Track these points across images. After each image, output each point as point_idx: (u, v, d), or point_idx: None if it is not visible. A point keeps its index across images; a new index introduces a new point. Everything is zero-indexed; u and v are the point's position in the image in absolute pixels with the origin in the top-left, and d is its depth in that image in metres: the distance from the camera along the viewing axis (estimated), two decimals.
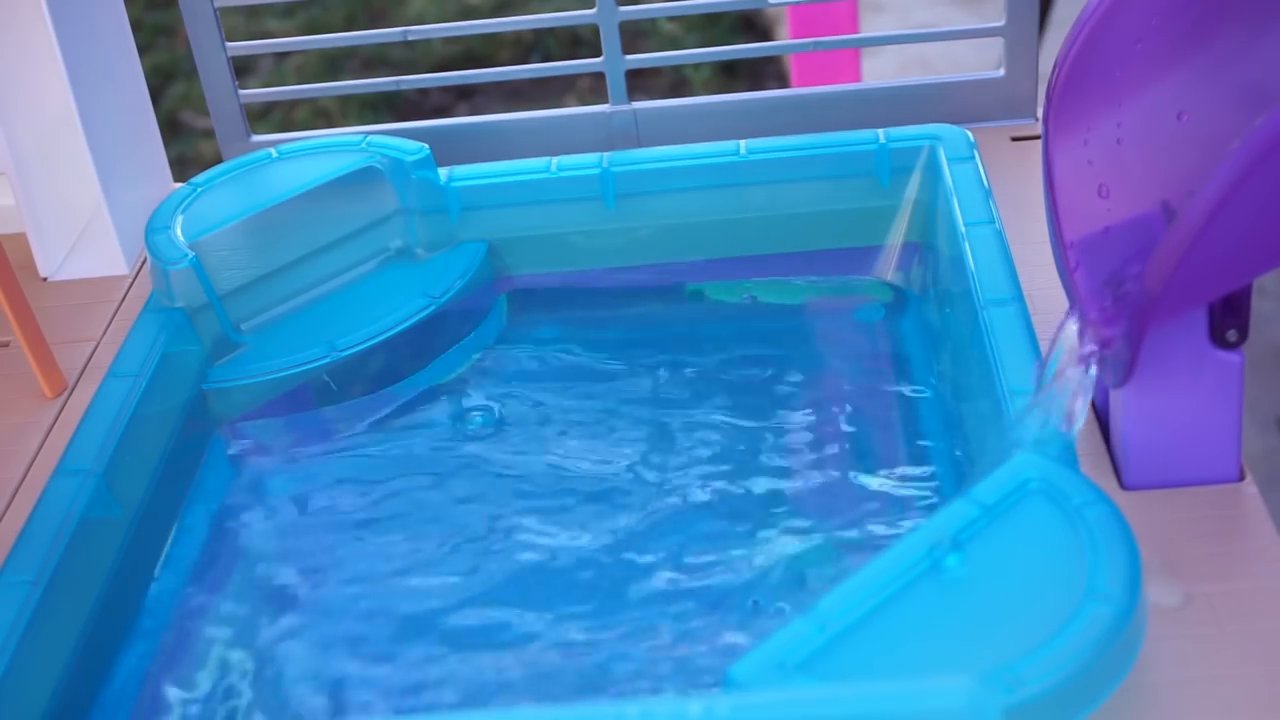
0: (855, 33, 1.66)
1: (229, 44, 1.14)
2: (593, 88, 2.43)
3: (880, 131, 1.03)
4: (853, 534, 0.87)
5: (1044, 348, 0.84)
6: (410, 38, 1.14)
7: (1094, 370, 0.75)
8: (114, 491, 0.87)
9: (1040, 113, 1.12)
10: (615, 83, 1.14)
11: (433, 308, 1.01)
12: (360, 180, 1.04)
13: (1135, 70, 0.78)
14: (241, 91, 1.15)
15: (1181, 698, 0.68)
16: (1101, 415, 0.83)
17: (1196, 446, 0.78)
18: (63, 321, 1.03)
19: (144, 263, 1.09)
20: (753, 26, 2.57)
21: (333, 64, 2.56)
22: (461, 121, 1.17)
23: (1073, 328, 0.76)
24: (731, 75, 2.46)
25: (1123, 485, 0.79)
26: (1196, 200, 0.67)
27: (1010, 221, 0.95)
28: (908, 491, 0.89)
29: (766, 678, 0.64)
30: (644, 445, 0.94)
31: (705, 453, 0.93)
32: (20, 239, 1.09)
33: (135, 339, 0.96)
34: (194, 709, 0.82)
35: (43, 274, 1.09)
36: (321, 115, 2.43)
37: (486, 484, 0.93)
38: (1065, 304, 0.78)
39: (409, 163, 1.04)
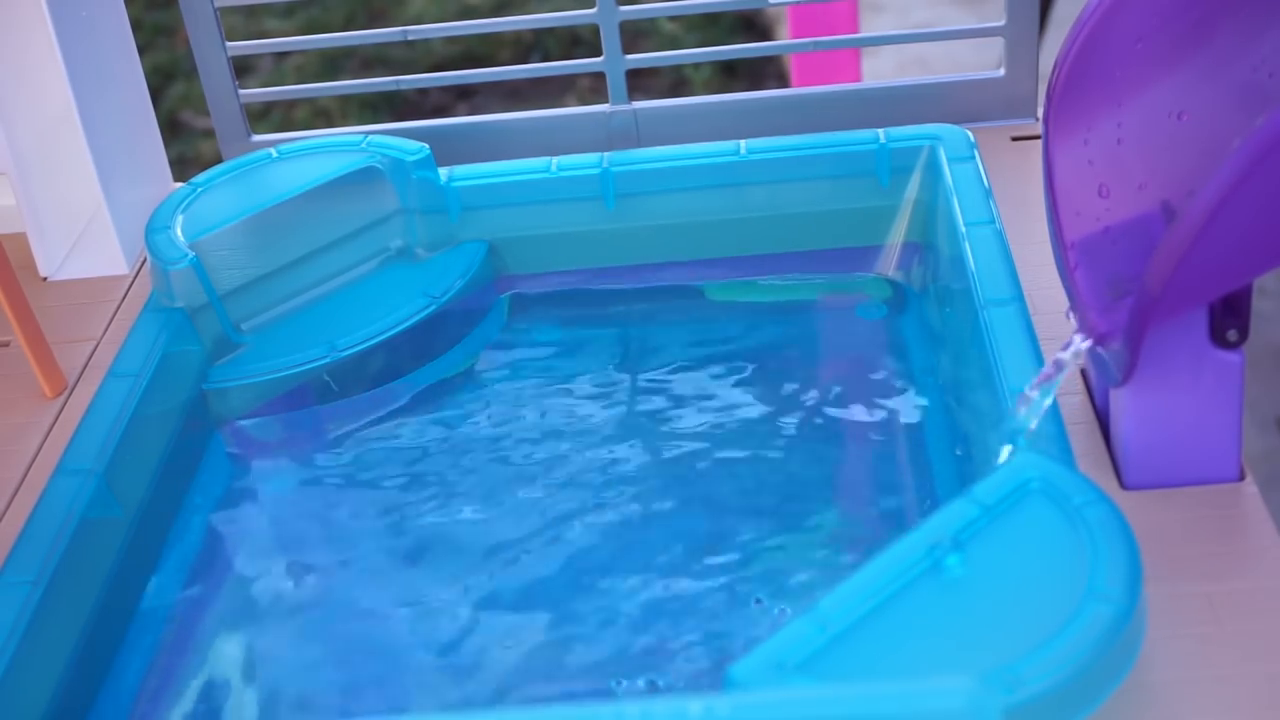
0: (855, 33, 1.66)
1: (229, 44, 1.14)
2: (593, 87, 2.43)
3: (880, 131, 1.03)
4: (853, 532, 0.87)
5: (1044, 348, 0.84)
6: (410, 38, 1.14)
7: (1066, 367, 0.76)
8: (114, 491, 0.87)
9: (1040, 113, 1.12)
10: (615, 82, 1.14)
11: (433, 308, 1.01)
12: (360, 180, 1.04)
13: (1135, 70, 0.79)
14: (241, 91, 1.15)
15: (1181, 698, 0.68)
16: (1101, 415, 0.83)
17: (1196, 446, 0.78)
18: (63, 321, 1.03)
19: (144, 263, 1.09)
20: (753, 26, 2.57)
21: (333, 64, 2.56)
22: (461, 121, 1.17)
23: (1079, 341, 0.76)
24: (731, 75, 2.46)
25: (1123, 485, 0.79)
26: (1196, 200, 0.67)
27: (1010, 221, 0.95)
28: (907, 490, 0.89)
29: (766, 678, 0.65)
30: (644, 444, 0.94)
31: (705, 451, 0.93)
32: (20, 239, 1.09)
33: (135, 339, 0.96)
34: (194, 709, 0.82)
35: (43, 274, 1.09)
36: (321, 115, 2.43)
37: (486, 482, 0.93)
38: (1065, 304, 0.79)
39: (409, 163, 1.04)
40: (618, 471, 0.93)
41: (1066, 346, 0.76)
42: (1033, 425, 0.76)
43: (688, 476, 0.92)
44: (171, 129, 2.42)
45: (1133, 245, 0.77)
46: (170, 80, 2.53)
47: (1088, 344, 0.75)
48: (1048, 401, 0.76)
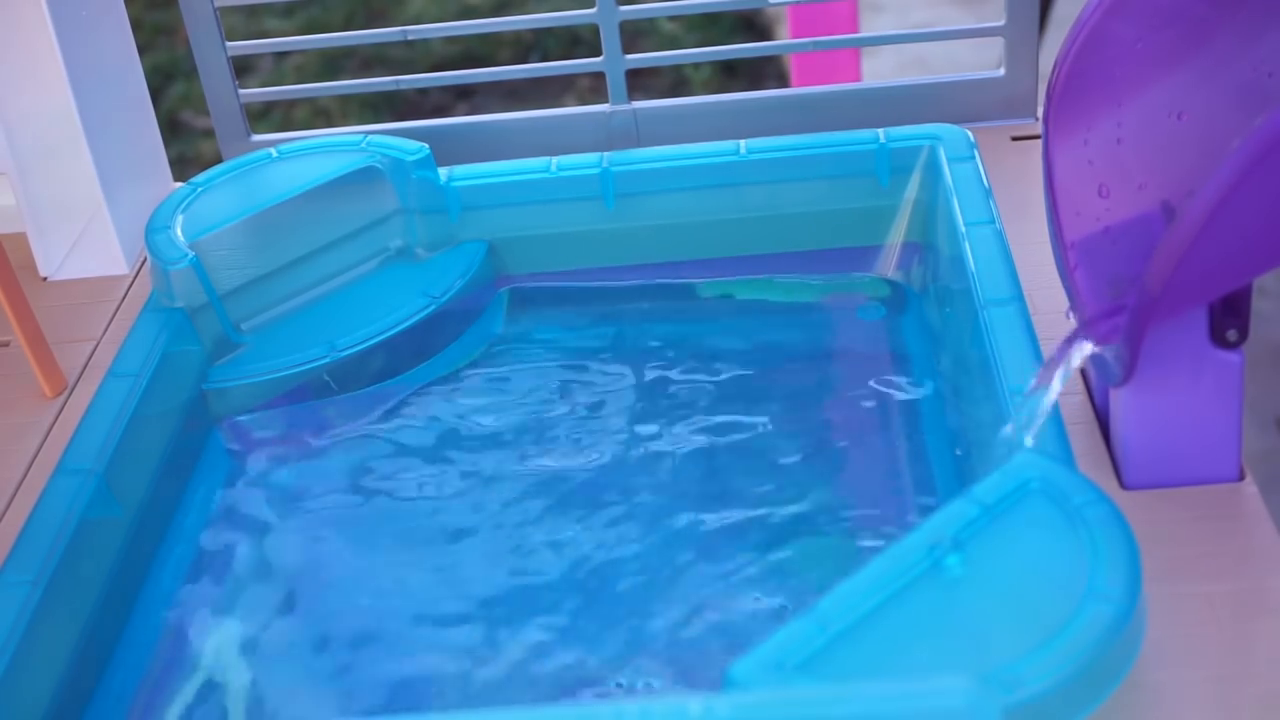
0: (855, 33, 1.67)
1: (229, 44, 1.14)
2: (592, 87, 2.43)
3: (880, 131, 1.03)
4: (853, 533, 0.87)
5: (1044, 348, 0.84)
6: (410, 37, 1.14)
7: (1066, 370, 0.76)
8: (114, 491, 0.87)
9: (1040, 113, 1.12)
10: (615, 82, 1.14)
11: (433, 308, 1.01)
12: (360, 180, 1.04)
13: (1135, 70, 0.79)
14: (241, 91, 1.15)
15: (1181, 698, 0.68)
16: (1101, 415, 0.83)
17: (1196, 446, 0.78)
18: (63, 321, 1.03)
19: (144, 262, 1.09)
20: (753, 26, 2.57)
21: (332, 64, 2.56)
22: (461, 121, 1.17)
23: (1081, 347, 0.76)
24: (731, 75, 2.46)
25: (1123, 485, 0.79)
26: (1196, 200, 0.67)
27: (1010, 221, 0.95)
28: (907, 490, 0.89)
29: (766, 678, 0.64)
30: (643, 444, 0.94)
31: (705, 451, 0.93)
32: (20, 239, 1.09)
33: (135, 339, 0.96)
34: (193, 709, 0.82)
35: (43, 274, 1.09)
36: (321, 115, 2.43)
37: (484, 482, 0.93)
38: (1065, 304, 0.79)
39: (409, 162, 1.04)
40: (618, 471, 0.93)
41: (1064, 348, 0.76)
42: (1029, 439, 0.76)
43: (687, 476, 0.92)
44: (171, 129, 2.42)
45: (1133, 245, 0.77)
46: (170, 80, 2.53)
47: (1089, 349, 0.75)
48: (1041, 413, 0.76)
